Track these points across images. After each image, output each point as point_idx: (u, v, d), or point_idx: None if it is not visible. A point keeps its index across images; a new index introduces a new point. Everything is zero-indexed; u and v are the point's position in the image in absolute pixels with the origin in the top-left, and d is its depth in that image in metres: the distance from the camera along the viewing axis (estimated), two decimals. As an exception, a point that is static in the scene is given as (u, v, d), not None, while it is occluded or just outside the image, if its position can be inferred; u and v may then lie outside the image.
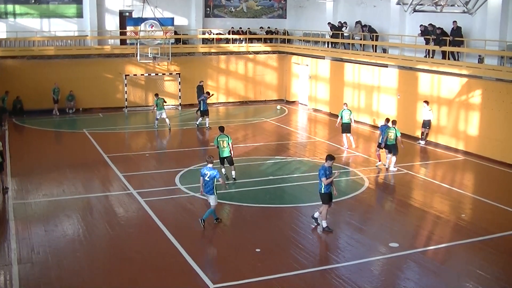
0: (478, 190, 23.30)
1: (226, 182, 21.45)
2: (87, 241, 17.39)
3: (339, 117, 29.18)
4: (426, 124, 30.57)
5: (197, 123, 34.57)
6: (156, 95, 35.38)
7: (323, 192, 18.12)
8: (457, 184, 24.12)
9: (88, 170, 25.37)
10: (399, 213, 20.18)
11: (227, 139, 22.87)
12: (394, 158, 25.33)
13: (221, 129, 23.58)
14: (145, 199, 21.04)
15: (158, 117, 34.23)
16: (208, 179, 18.23)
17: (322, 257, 16.42)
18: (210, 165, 18.37)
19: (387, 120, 26.00)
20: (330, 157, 18.34)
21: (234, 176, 23.31)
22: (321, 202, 18.45)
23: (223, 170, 23.47)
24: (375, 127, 34.20)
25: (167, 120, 34.11)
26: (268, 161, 26.97)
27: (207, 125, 33.91)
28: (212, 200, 18.45)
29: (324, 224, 18.31)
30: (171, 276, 15.11)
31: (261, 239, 17.56)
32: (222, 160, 23.18)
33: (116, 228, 18.43)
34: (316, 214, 18.64)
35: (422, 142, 30.71)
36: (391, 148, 25.18)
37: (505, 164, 26.44)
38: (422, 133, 30.96)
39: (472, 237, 17.85)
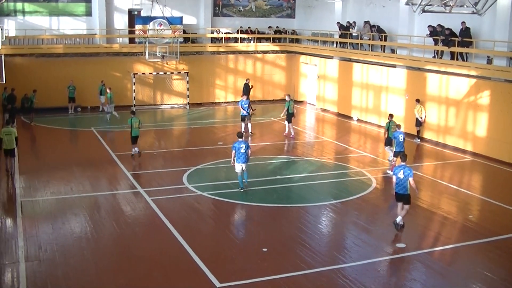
0: (486, 191, 23.26)
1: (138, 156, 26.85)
2: (94, 240, 17.44)
3: (286, 108, 31.54)
4: (420, 122, 31.32)
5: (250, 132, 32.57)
6: (110, 88, 35.93)
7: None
8: (464, 185, 24.09)
9: (96, 168, 25.44)
10: (406, 213, 20.13)
11: (138, 121, 26.82)
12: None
13: (133, 113, 27.58)
14: (153, 197, 21.08)
15: (111, 110, 35.57)
16: (243, 151, 21.56)
17: (328, 257, 16.39)
18: (241, 139, 21.81)
19: (399, 126, 24.95)
20: (405, 156, 18.60)
21: (137, 150, 26.89)
22: (408, 204, 18.30)
23: (136, 148, 26.78)
24: (381, 126, 34.11)
25: (109, 116, 35.79)
26: (275, 161, 26.97)
27: (249, 131, 32.28)
28: (245, 166, 21.81)
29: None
30: (178, 275, 15.14)
31: (267, 239, 17.58)
32: (133, 139, 26.75)
33: (123, 227, 18.47)
34: (399, 219, 18.39)
35: (418, 140, 31.38)
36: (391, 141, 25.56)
37: (513, 166, 26.43)
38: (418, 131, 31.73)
39: (479, 239, 17.81)
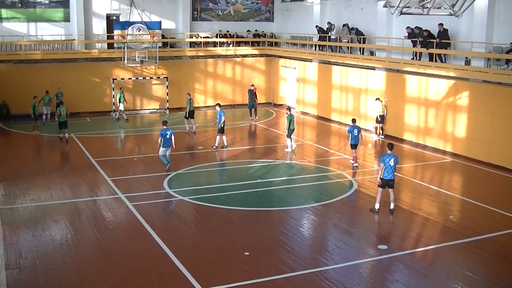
0: (466, 192, 23.42)
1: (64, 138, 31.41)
2: (75, 246, 17.32)
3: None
4: (381, 119, 32.68)
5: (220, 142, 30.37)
6: (47, 92, 36.09)
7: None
8: (445, 185, 24.22)
9: (76, 174, 25.29)
10: (388, 215, 20.19)
11: (66, 109, 31.25)
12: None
13: (61, 103, 31.94)
14: (133, 203, 20.99)
15: (46, 113, 36.53)
16: (168, 137, 24.71)
17: (311, 260, 16.40)
18: (165, 127, 24.91)
19: (354, 120, 27.38)
20: (392, 145, 20.45)
21: (67, 136, 31.56)
22: (393, 188, 20.26)
23: (66, 134, 31.21)
24: (361, 129, 34.36)
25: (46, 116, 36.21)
26: (256, 164, 26.96)
27: (215, 145, 29.97)
28: (169, 151, 25.15)
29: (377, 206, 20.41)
30: (160, 280, 15.07)
31: (250, 242, 17.56)
32: (60, 124, 31.16)
33: (104, 233, 18.36)
34: (377, 206, 20.35)
35: (382, 137, 32.68)
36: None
37: (492, 166, 26.59)
38: (381, 128, 33.01)
39: (460, 239, 17.92)
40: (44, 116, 36.25)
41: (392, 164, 19.74)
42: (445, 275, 15.55)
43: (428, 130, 30.51)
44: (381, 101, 32.73)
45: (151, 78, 41.70)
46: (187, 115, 33.89)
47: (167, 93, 41.61)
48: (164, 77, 41.70)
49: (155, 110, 41.82)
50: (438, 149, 29.68)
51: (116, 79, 40.25)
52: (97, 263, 16.36)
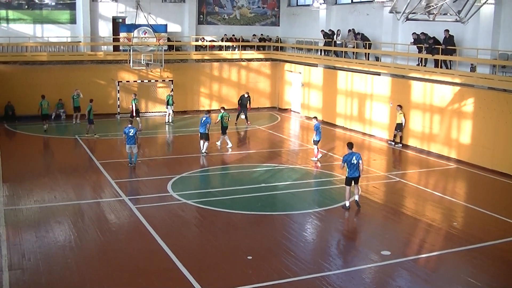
0: (470, 198, 23.35)
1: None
2: (78, 248, 17.33)
3: (133, 104, 35.69)
4: (399, 127, 32.07)
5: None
6: (43, 96, 35.01)
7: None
8: (449, 192, 24.16)
9: (80, 176, 25.31)
10: (391, 221, 20.19)
11: (47, 103, 34.46)
12: None
13: (43, 97, 34.46)
14: (137, 205, 21.00)
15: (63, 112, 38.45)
16: (132, 135, 25.96)
17: (313, 265, 16.38)
18: (130, 125, 26.60)
19: (316, 118, 29.50)
20: (352, 144, 21.19)
21: (46, 127, 34.22)
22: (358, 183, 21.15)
23: (45, 126, 33.97)
24: (365, 134, 34.43)
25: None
26: (260, 169, 26.95)
27: (203, 151, 29.15)
28: (135, 148, 26.52)
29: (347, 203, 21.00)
30: (162, 283, 15.06)
31: (253, 246, 17.54)
32: (43, 116, 34.14)
33: (107, 235, 18.37)
34: (349, 202, 20.98)
35: (400, 145, 32.15)
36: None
37: (497, 172, 26.54)
38: (395, 136, 32.49)
39: (464, 245, 17.88)
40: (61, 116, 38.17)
41: (354, 162, 20.44)
42: (447, 282, 15.51)
43: (432, 136, 30.47)
44: (400, 108, 32.06)
45: (156, 81, 41.75)
46: (133, 115, 35.00)
47: (172, 96, 41.56)
48: (169, 80, 41.73)
49: (159, 112, 41.89)
50: (443, 156, 29.63)
51: (121, 81, 40.31)
52: (99, 265, 16.36)
